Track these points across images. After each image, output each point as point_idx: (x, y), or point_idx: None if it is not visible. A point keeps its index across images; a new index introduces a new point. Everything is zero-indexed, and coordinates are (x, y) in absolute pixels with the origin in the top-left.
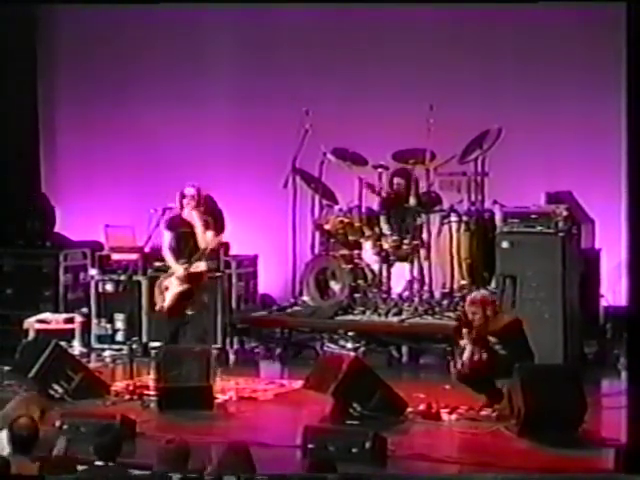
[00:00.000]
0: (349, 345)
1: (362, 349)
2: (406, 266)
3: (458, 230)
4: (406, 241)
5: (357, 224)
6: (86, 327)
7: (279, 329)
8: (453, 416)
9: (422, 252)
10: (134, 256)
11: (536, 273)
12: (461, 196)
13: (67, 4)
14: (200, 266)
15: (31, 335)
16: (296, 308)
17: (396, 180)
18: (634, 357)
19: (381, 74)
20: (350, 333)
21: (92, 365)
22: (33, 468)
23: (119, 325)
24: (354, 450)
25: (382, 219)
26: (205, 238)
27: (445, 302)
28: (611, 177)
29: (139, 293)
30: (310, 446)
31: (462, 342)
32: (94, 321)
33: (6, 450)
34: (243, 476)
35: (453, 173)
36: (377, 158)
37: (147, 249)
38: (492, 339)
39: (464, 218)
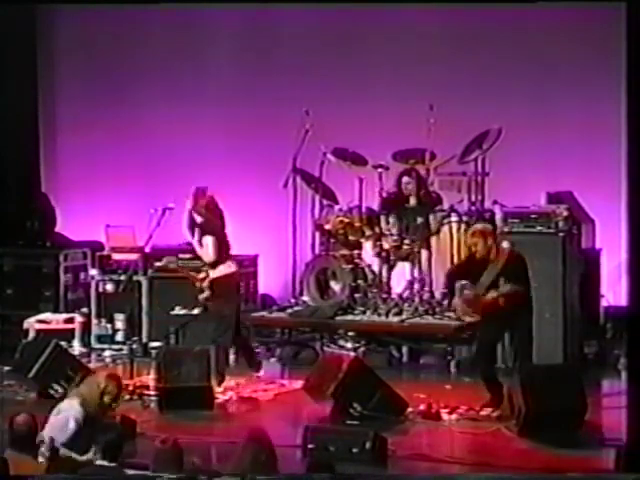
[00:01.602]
0: (349, 345)
1: (362, 349)
2: (406, 266)
3: (458, 230)
4: (406, 241)
5: (357, 224)
6: (86, 327)
7: (279, 329)
8: (453, 416)
9: (422, 252)
10: (134, 256)
11: (536, 273)
12: (461, 196)
13: (67, 4)
14: (211, 273)
15: (31, 335)
16: (296, 308)
17: (405, 180)
18: (634, 357)
19: (381, 74)
20: (350, 333)
21: (92, 365)
22: (32, 465)
23: (119, 325)
24: (354, 450)
25: (382, 219)
26: (206, 249)
27: (445, 302)
28: (611, 177)
29: (139, 293)
30: (310, 446)
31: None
32: (94, 321)
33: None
34: (247, 477)
35: (453, 173)
36: (377, 158)
37: (147, 249)
38: (501, 280)
39: (464, 218)
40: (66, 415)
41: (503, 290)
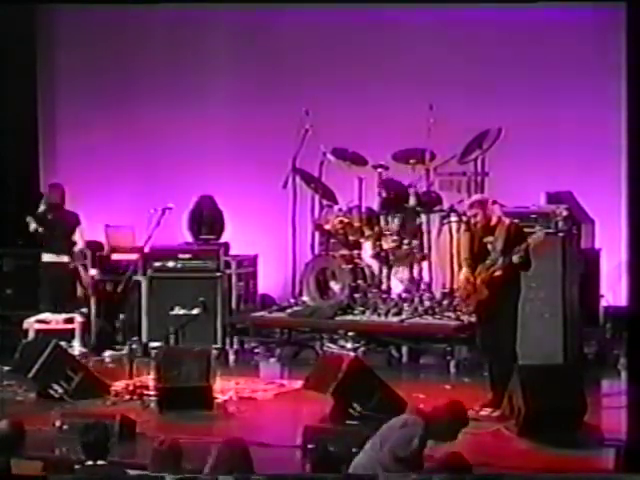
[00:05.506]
0: (349, 345)
1: (362, 349)
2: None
3: (458, 230)
4: (406, 241)
5: (357, 224)
6: (86, 327)
7: (279, 329)
8: None
9: (422, 252)
10: (134, 256)
11: (536, 273)
12: (461, 196)
13: (67, 4)
14: None
15: (31, 335)
16: (296, 308)
17: (381, 191)
18: (634, 357)
19: (381, 74)
20: (350, 333)
21: (92, 365)
22: (32, 466)
23: (119, 325)
24: (354, 450)
25: (382, 219)
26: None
27: (445, 302)
28: (611, 177)
29: (139, 293)
30: (310, 446)
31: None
32: (94, 321)
33: None
34: (239, 476)
35: (453, 173)
36: (377, 158)
37: (147, 249)
38: (515, 249)
39: (464, 218)
40: (412, 432)
41: (510, 259)
